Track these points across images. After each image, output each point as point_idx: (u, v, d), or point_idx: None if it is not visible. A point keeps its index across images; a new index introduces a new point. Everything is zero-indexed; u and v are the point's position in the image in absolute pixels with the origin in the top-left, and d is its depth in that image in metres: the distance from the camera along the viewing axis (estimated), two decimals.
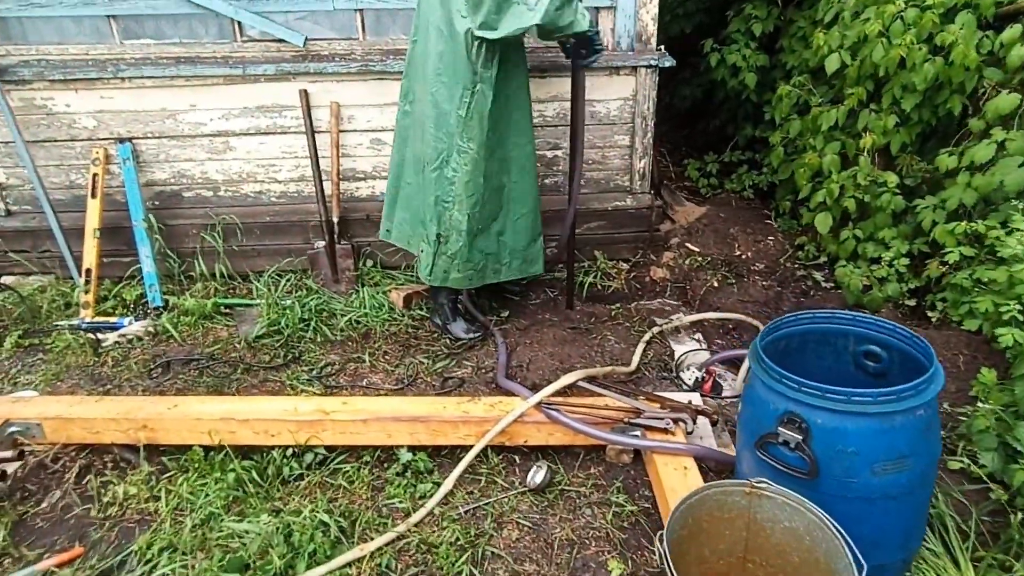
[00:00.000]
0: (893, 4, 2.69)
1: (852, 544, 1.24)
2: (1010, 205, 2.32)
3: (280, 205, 3.52)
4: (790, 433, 1.51)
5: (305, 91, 3.22)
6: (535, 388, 2.54)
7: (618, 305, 3.19)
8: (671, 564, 1.22)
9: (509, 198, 2.82)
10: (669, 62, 3.20)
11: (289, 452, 2.26)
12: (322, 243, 3.38)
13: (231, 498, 2.12)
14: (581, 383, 2.32)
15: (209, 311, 3.18)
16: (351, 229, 3.47)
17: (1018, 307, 1.98)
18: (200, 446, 2.25)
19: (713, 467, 2.14)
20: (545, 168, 3.46)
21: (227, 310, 3.28)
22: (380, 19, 3.23)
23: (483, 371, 2.80)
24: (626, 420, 2.15)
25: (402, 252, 3.49)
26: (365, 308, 3.17)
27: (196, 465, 2.22)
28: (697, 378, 2.67)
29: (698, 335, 3.02)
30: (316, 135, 3.29)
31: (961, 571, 1.72)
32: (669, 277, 3.44)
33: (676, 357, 2.81)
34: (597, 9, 3.18)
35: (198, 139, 3.35)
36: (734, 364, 2.75)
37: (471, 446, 2.24)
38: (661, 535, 1.30)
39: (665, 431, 2.09)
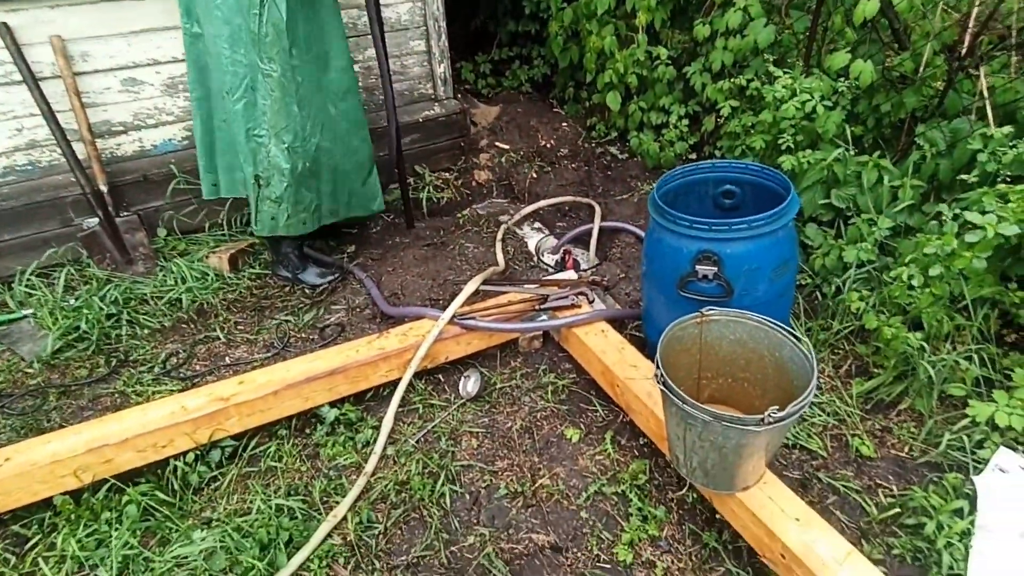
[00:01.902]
0: None
1: (790, 327, 1.57)
2: (760, 60, 2.88)
3: (9, 185, 2.69)
4: (707, 267, 1.79)
5: (5, 24, 2.42)
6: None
7: (463, 213, 3.22)
8: (677, 390, 1.42)
9: (339, 128, 2.54)
10: None
11: (190, 458, 1.94)
12: (94, 220, 2.71)
13: (140, 532, 1.77)
14: (483, 287, 2.36)
15: None
16: (127, 196, 2.83)
17: (790, 139, 2.53)
18: (65, 493, 1.80)
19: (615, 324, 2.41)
20: None
21: None
22: None
23: (358, 310, 2.64)
24: (536, 307, 2.29)
25: (203, 211, 3.00)
26: (188, 282, 2.69)
27: (71, 516, 1.78)
28: (556, 260, 2.90)
29: (537, 224, 3.23)
30: (40, 83, 2.53)
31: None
32: (492, 178, 3.55)
33: (535, 247, 2.99)
34: None
35: None
36: (580, 241, 3.04)
37: (394, 382, 2.17)
38: (658, 375, 1.49)
39: (573, 306, 2.28)
